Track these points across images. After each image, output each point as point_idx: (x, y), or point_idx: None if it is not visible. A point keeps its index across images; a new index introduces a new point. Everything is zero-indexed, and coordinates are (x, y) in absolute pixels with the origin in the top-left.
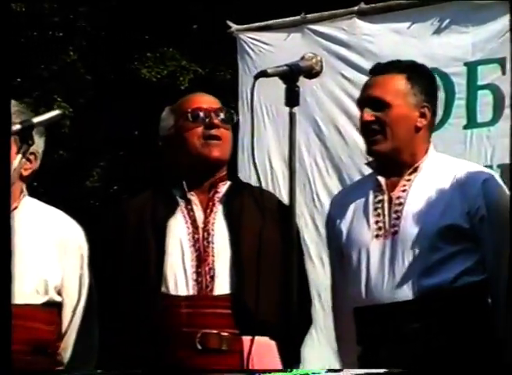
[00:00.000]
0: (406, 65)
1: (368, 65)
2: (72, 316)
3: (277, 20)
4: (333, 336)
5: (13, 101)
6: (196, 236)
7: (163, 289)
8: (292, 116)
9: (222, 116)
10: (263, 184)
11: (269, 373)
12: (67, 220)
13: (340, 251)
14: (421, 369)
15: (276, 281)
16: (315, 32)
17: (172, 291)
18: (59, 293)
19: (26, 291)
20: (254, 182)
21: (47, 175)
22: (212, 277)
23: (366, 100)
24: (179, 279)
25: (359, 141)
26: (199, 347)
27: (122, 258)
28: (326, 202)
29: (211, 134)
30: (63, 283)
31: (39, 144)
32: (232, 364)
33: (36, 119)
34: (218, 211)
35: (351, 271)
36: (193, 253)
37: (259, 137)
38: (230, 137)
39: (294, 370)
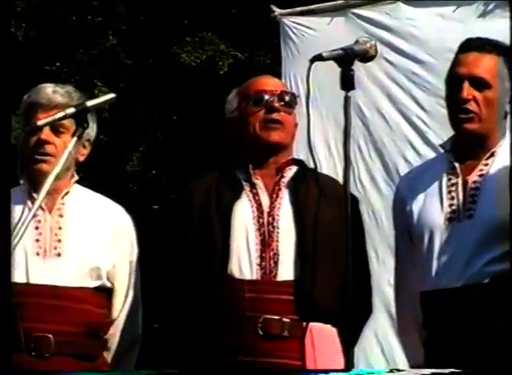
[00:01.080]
0: (503, 47)
1: (411, 49)
2: (122, 303)
3: (320, 4)
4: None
5: (61, 85)
6: (261, 220)
7: (228, 272)
8: (347, 100)
9: (285, 99)
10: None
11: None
12: (117, 208)
13: (409, 232)
14: (487, 361)
15: (339, 269)
16: (359, 16)
17: (237, 275)
18: (110, 279)
19: (79, 274)
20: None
21: (87, 159)
22: (276, 262)
23: (465, 76)
24: (243, 262)
25: (402, 125)
26: (260, 332)
27: (187, 238)
28: (368, 186)
29: (271, 118)
30: (114, 270)
31: (93, 129)
32: (292, 350)
33: (90, 103)
34: (284, 196)
35: (421, 253)
36: (258, 237)
37: (301, 121)
38: (292, 121)
39: (356, 370)
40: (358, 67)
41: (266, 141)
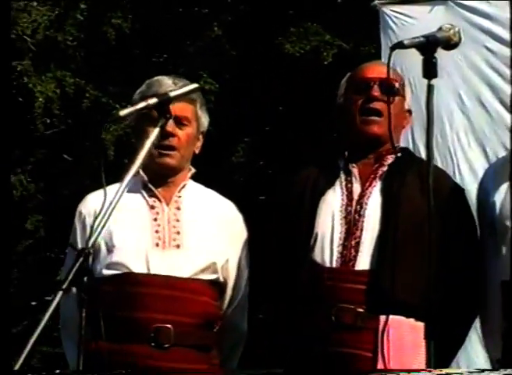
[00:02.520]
0: None
1: None
2: (232, 298)
3: None
4: None
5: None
6: (349, 208)
7: (312, 258)
8: (430, 88)
9: (386, 87)
10: None
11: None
12: (229, 204)
13: (493, 223)
14: None
15: (425, 265)
16: (459, 4)
17: (318, 261)
18: (224, 273)
19: (197, 267)
20: None
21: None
22: (357, 251)
23: None
24: (325, 249)
25: (503, 114)
26: (334, 321)
27: (285, 226)
28: (467, 176)
29: (369, 108)
30: (228, 265)
31: (206, 120)
32: (365, 341)
33: (173, 93)
34: (377, 185)
35: (503, 243)
36: (343, 225)
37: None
38: (395, 110)
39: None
40: (459, 56)
41: (364, 133)
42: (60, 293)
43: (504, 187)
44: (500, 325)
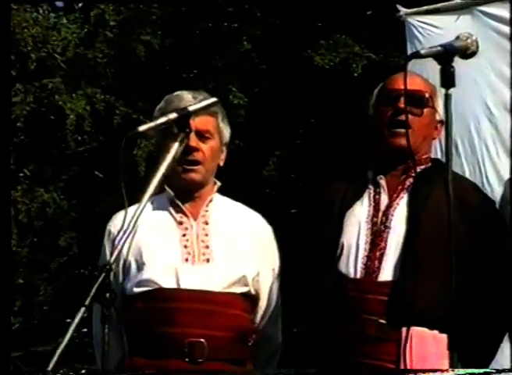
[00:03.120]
0: None
1: None
2: (265, 310)
3: (446, 3)
4: None
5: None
6: (375, 219)
7: (337, 268)
8: (447, 98)
9: (414, 99)
10: None
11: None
12: (257, 216)
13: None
14: None
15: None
16: (485, 13)
17: (343, 272)
18: (255, 286)
19: (227, 280)
20: None
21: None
22: (381, 263)
23: None
24: (350, 260)
25: None
26: (357, 332)
27: (315, 238)
28: (496, 185)
29: (396, 120)
30: (258, 277)
31: (228, 132)
32: (388, 353)
33: (192, 108)
34: (404, 196)
35: None
36: (369, 236)
37: None
38: (423, 122)
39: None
40: (485, 64)
41: (391, 145)
42: (83, 309)
43: None
44: None
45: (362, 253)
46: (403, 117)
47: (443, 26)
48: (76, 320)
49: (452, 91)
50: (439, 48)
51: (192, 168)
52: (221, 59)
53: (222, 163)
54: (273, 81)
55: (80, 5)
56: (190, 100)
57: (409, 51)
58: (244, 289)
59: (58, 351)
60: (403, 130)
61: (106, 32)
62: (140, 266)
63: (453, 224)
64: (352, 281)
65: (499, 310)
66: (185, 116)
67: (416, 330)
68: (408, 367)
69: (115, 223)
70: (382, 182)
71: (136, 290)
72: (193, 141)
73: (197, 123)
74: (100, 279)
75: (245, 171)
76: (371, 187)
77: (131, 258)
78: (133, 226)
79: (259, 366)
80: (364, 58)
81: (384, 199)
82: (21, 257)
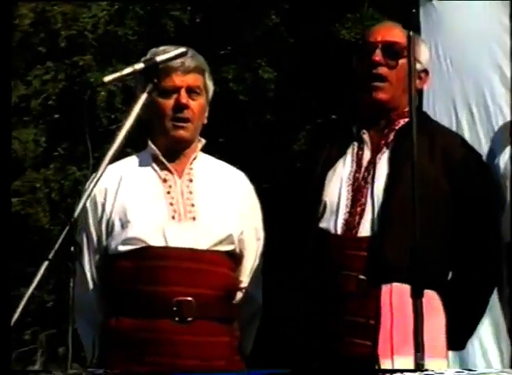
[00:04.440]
0: None
1: None
2: (249, 269)
3: None
4: None
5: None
6: (357, 175)
7: (321, 226)
8: (410, 39)
9: (389, 51)
10: None
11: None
12: (241, 175)
13: (497, 184)
14: None
15: (434, 231)
16: None
17: (326, 228)
18: (240, 244)
19: (214, 238)
20: None
21: (255, 140)
22: (361, 218)
23: None
24: (331, 217)
25: None
26: (339, 289)
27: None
28: None
29: (372, 74)
30: (243, 236)
31: (211, 89)
32: (368, 309)
33: (160, 58)
34: (387, 151)
35: (505, 204)
36: (350, 192)
37: (444, 89)
38: (400, 75)
39: None
40: (502, 32)
41: (370, 99)
42: (46, 263)
43: (509, 148)
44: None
45: (343, 209)
46: (378, 70)
47: None
48: (39, 274)
49: (466, 56)
50: None
51: (182, 125)
52: (250, 33)
53: (205, 121)
54: (301, 55)
55: None
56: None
57: (422, 18)
58: (230, 247)
59: (20, 307)
60: (380, 84)
61: (136, 8)
62: (125, 224)
63: (432, 177)
64: (333, 237)
65: (485, 264)
66: (152, 66)
67: (396, 285)
68: (388, 323)
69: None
70: (366, 137)
71: (121, 248)
72: (184, 97)
73: (187, 79)
74: (64, 232)
75: (276, 145)
76: (355, 142)
77: (115, 217)
78: (115, 185)
79: (243, 325)
80: None
81: (367, 155)
82: (53, 235)
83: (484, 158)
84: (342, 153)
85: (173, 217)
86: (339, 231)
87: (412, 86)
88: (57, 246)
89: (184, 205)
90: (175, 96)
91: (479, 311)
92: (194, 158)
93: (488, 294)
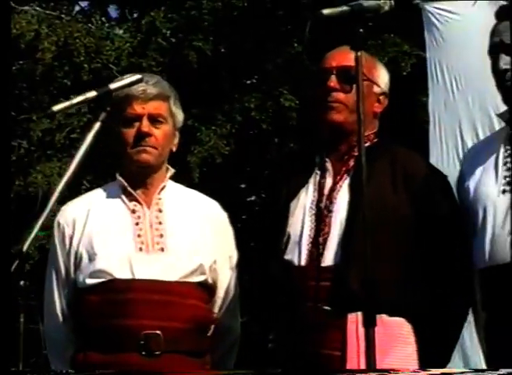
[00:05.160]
0: None
1: None
2: (223, 300)
3: None
4: None
5: None
6: (320, 204)
7: (286, 258)
8: (358, 60)
9: (344, 76)
10: (454, 156)
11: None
12: (213, 203)
13: (468, 208)
14: None
15: (397, 258)
16: None
17: (290, 260)
18: (212, 274)
19: (183, 269)
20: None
21: (278, 168)
22: (324, 248)
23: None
24: (295, 248)
25: None
26: (305, 321)
27: (270, 228)
28: None
29: (328, 99)
30: (215, 266)
31: (181, 116)
32: (333, 340)
33: (113, 85)
34: (348, 178)
35: (477, 230)
36: (313, 222)
37: (449, 109)
38: (355, 100)
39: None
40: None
41: (326, 122)
42: None
43: (479, 170)
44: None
45: (307, 240)
46: (334, 96)
47: (460, 12)
48: None
49: (472, 76)
50: (344, 8)
51: (144, 148)
52: (271, 62)
53: (174, 148)
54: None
55: (135, 15)
56: (142, 84)
57: (426, 39)
58: (201, 278)
59: None
60: (337, 107)
61: (158, 40)
62: (92, 257)
63: (394, 202)
64: (297, 269)
65: (454, 289)
66: (105, 94)
67: (361, 314)
68: (355, 354)
69: (65, 214)
70: (328, 165)
71: (88, 281)
72: (145, 126)
73: (149, 107)
74: (14, 265)
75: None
76: (317, 171)
77: (82, 249)
78: (83, 217)
79: (218, 358)
80: (413, 56)
81: (328, 183)
82: None
83: (453, 180)
84: (304, 182)
85: (141, 249)
86: (303, 262)
87: (360, 108)
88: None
89: (152, 236)
90: (137, 124)
91: (453, 336)
92: (163, 188)
93: (461, 319)
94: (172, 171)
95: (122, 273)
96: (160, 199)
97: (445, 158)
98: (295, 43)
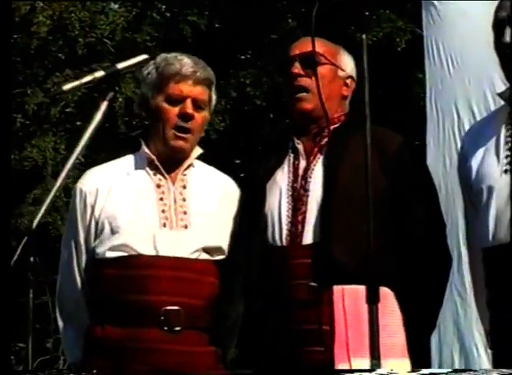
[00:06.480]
0: None
1: None
2: (234, 279)
3: None
4: None
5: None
6: (295, 185)
7: (266, 239)
8: (363, 43)
9: (306, 62)
10: (450, 134)
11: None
12: (234, 185)
13: (471, 189)
14: None
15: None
16: None
17: (271, 242)
18: (225, 251)
19: (205, 247)
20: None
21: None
22: (303, 226)
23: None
24: (275, 229)
25: None
26: (291, 298)
27: (247, 211)
28: None
29: (294, 86)
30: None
31: (214, 101)
32: (322, 315)
33: (121, 65)
34: (321, 157)
35: (480, 209)
36: (290, 202)
37: (445, 86)
38: (321, 83)
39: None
40: None
41: (296, 111)
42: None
43: (481, 150)
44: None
45: (285, 220)
46: (299, 81)
47: None
48: None
49: (468, 56)
50: None
51: (183, 136)
52: (267, 38)
53: (203, 134)
54: None
55: None
56: (192, 66)
57: (424, 18)
58: (220, 257)
59: None
60: (302, 94)
61: (153, 14)
62: (115, 230)
63: (370, 175)
64: (279, 249)
65: (432, 257)
66: (113, 73)
67: (347, 288)
68: (343, 327)
69: (87, 181)
70: (300, 147)
71: (110, 254)
72: (190, 108)
73: (195, 91)
74: (22, 242)
75: (273, 154)
76: (291, 154)
77: (104, 220)
78: (106, 187)
79: (224, 334)
80: (408, 32)
81: (302, 163)
82: None
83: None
84: (280, 163)
85: (164, 224)
86: (284, 242)
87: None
88: (16, 256)
89: (176, 212)
90: (180, 104)
91: (435, 304)
92: (189, 166)
93: (441, 284)
94: (199, 151)
95: (145, 249)
96: (185, 176)
97: (441, 135)
98: (289, 19)
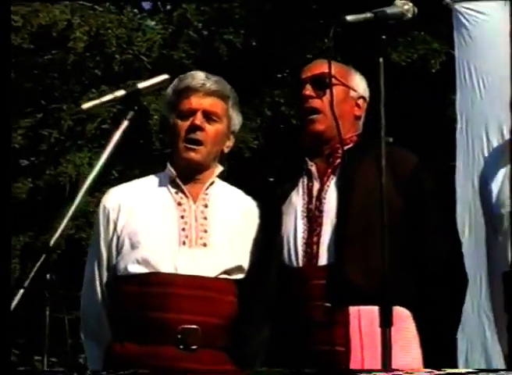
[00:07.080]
0: None
1: None
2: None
3: None
4: None
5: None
6: (310, 206)
7: (282, 261)
8: (379, 66)
9: (318, 84)
10: (479, 156)
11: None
12: (254, 204)
13: (491, 212)
14: None
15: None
16: None
17: (287, 263)
18: (244, 271)
19: (224, 266)
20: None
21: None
22: (318, 247)
23: None
24: (291, 251)
25: None
26: (308, 320)
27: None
28: None
29: (305, 108)
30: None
31: (238, 121)
32: (337, 336)
33: (142, 85)
34: (334, 178)
35: (500, 234)
36: (306, 224)
37: (476, 109)
38: (332, 105)
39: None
40: None
41: (308, 132)
42: (21, 291)
43: (501, 173)
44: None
45: (301, 241)
46: (310, 103)
47: (490, 13)
48: (15, 303)
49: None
50: (368, 15)
51: (193, 147)
52: (301, 57)
53: (226, 150)
54: None
55: (167, 7)
56: (202, 78)
57: (455, 40)
58: (240, 276)
59: None
60: (314, 116)
61: (189, 32)
62: (135, 245)
63: (385, 197)
64: (295, 270)
65: (448, 277)
66: (133, 93)
67: (363, 309)
68: (358, 348)
69: (111, 199)
70: (313, 169)
71: (129, 269)
72: (198, 119)
73: (205, 103)
74: (41, 260)
75: (288, 176)
76: (304, 176)
77: (125, 236)
78: (129, 204)
79: (247, 354)
80: (443, 53)
81: (316, 185)
82: None
83: (477, 182)
84: (294, 185)
85: (184, 242)
86: (300, 263)
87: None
88: (33, 273)
89: (197, 230)
90: (191, 118)
91: (452, 323)
92: (211, 184)
93: (458, 303)
94: (220, 169)
95: (164, 266)
96: (207, 195)
97: (470, 157)
98: (325, 38)
